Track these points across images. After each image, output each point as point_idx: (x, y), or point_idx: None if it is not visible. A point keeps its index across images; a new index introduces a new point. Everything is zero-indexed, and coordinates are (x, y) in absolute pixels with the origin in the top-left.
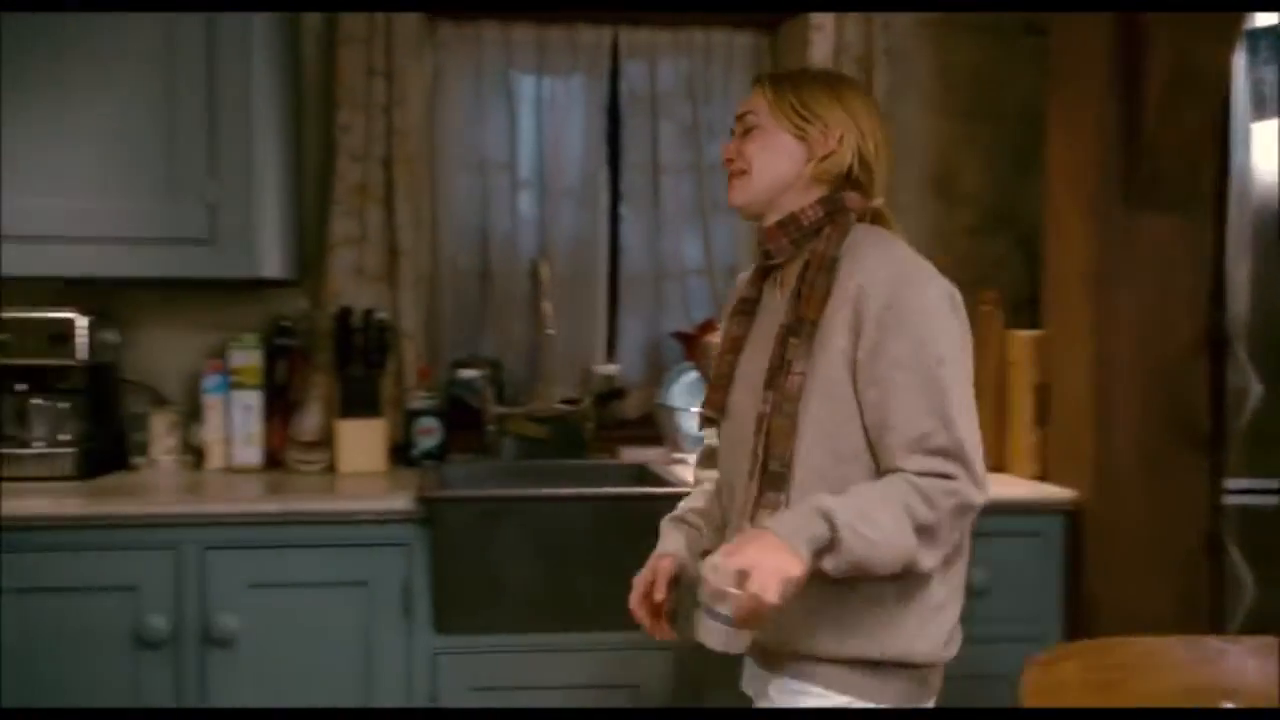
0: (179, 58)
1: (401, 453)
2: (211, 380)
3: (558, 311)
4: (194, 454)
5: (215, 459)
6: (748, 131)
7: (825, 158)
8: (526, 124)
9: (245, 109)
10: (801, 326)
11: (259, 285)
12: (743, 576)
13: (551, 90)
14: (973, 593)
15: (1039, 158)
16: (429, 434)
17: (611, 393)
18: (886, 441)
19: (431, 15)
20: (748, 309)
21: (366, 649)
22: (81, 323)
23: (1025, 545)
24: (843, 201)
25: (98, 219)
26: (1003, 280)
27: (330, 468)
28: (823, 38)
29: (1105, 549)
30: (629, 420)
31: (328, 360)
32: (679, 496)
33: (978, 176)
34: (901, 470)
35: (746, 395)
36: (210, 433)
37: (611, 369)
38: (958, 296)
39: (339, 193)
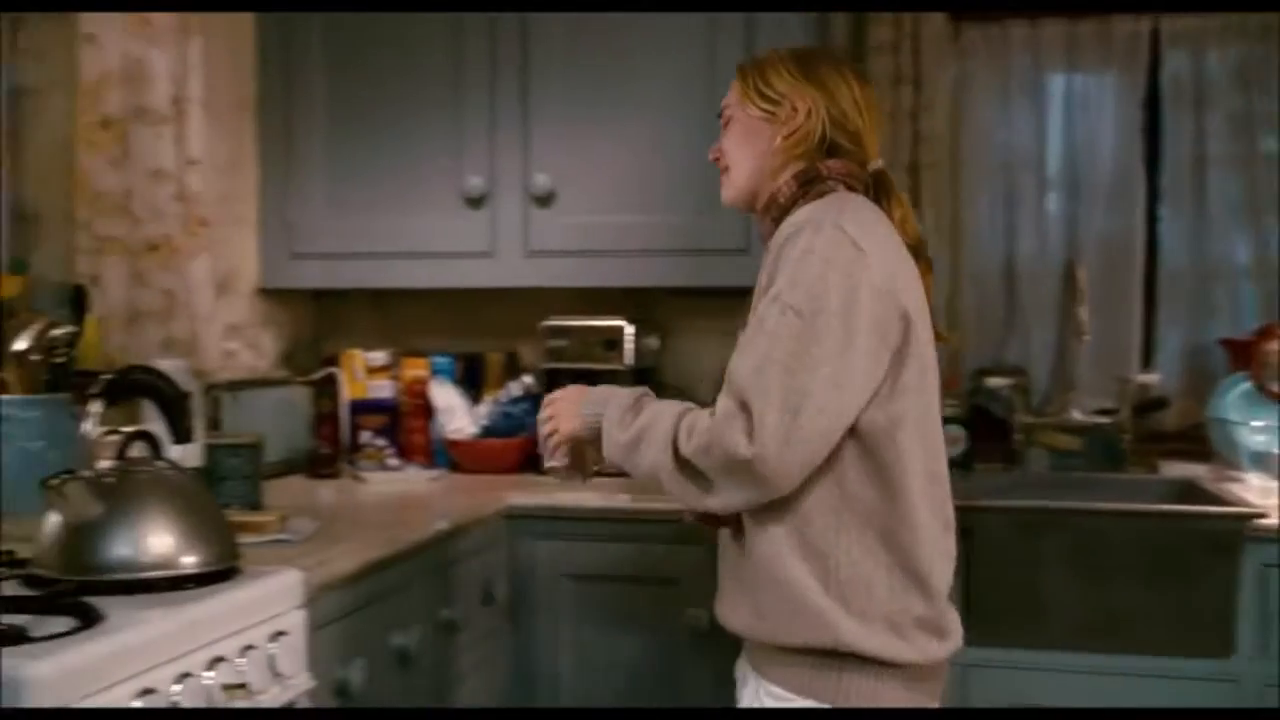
0: (717, 77)
1: None
2: None
3: (1089, 316)
4: None
5: None
6: (726, 126)
7: (791, 133)
8: (1054, 123)
9: None
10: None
11: None
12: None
13: (1084, 86)
14: None
15: None
16: (954, 443)
17: (1151, 403)
18: None
19: (957, 18)
20: None
21: None
22: (629, 330)
23: None
24: (818, 171)
25: (644, 233)
26: None
27: None
28: None
29: None
30: (1168, 433)
31: None
32: (1233, 517)
33: None
34: None
35: None
36: None
37: (1151, 378)
38: (871, 258)
39: None
